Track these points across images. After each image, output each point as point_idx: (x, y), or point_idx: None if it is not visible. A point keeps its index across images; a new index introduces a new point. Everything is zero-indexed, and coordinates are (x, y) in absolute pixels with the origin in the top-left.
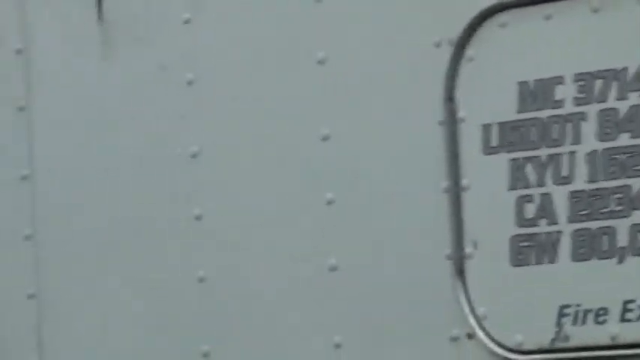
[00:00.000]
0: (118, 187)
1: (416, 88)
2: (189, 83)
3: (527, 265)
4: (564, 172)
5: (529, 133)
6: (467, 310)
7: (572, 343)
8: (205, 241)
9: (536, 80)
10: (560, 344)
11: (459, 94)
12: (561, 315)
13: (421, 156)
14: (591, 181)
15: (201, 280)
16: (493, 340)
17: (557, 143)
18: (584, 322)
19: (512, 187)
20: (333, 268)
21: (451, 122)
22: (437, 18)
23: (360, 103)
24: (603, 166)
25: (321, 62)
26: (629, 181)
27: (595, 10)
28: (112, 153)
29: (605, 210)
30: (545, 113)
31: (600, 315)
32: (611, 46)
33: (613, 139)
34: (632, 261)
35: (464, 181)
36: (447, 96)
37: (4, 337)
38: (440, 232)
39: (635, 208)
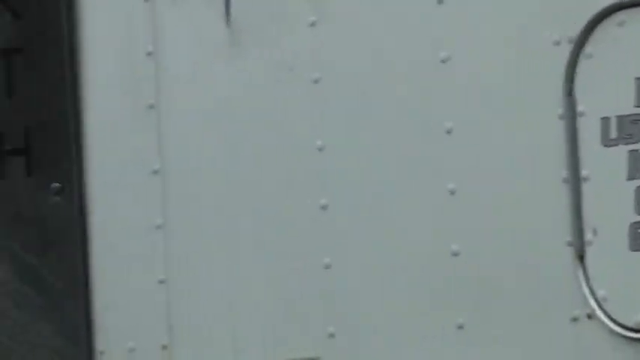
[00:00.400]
0: (244, 179)
1: (537, 84)
2: (315, 82)
3: None
4: None
5: None
6: (587, 292)
7: None
8: (331, 229)
9: None
10: None
11: (578, 90)
12: None
13: (543, 148)
14: None
15: (326, 266)
16: (613, 320)
17: None
18: None
19: (631, 177)
20: (456, 254)
21: (571, 116)
22: (556, 18)
23: (483, 100)
24: None
25: (444, 61)
26: None
27: None
28: (239, 147)
29: None
30: None
31: None
32: None
33: None
34: None
35: (584, 172)
36: (566, 91)
37: (136, 321)
38: (561, 220)
39: None
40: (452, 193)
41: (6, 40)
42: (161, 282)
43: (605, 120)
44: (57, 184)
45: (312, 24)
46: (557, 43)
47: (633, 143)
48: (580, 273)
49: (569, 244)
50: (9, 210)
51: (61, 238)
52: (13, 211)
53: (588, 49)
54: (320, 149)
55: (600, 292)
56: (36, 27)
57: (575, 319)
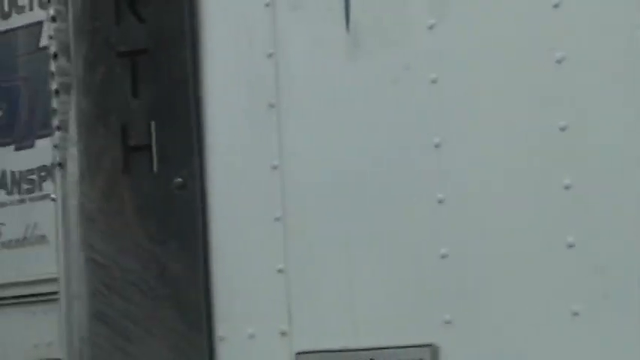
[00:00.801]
0: (361, 172)
1: None
2: (433, 82)
3: None
4: None
5: None
6: None
7: None
8: (447, 221)
9: None
10: None
11: None
12: None
13: None
14: None
15: (443, 256)
16: None
17: None
18: None
19: None
20: (571, 245)
21: None
22: None
23: (597, 99)
24: None
25: (559, 61)
26: None
27: None
28: (356, 143)
29: None
30: None
31: None
32: None
33: None
34: None
35: None
36: None
37: (255, 308)
38: None
39: None
40: (566, 187)
41: (131, 42)
42: (280, 271)
43: None
44: (179, 179)
45: (431, 27)
46: None
47: None
48: None
49: None
50: (134, 203)
51: (184, 229)
52: (138, 204)
53: None
54: (437, 146)
55: None
56: (160, 30)
57: None
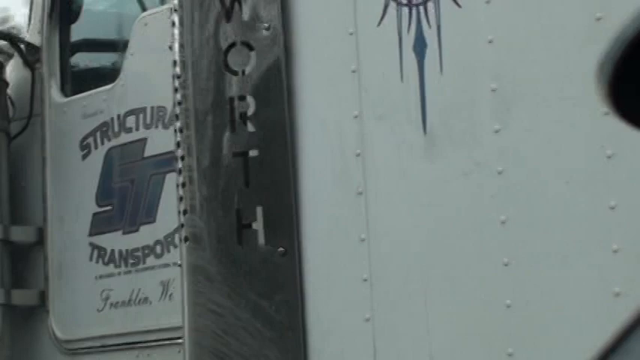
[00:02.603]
0: (439, 246)
1: None
2: (499, 173)
3: None
4: None
5: None
6: None
7: None
8: (512, 280)
9: None
10: None
11: None
12: None
13: None
14: None
15: (508, 306)
16: None
17: None
18: None
19: None
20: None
21: None
22: None
23: None
24: None
25: (609, 157)
26: None
27: None
28: (432, 221)
29: None
30: None
31: None
32: None
33: None
34: None
35: None
36: None
37: (347, 349)
38: None
39: None
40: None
41: (244, 145)
42: (367, 320)
43: None
44: (282, 249)
45: (497, 131)
46: None
47: None
48: None
49: None
50: (245, 267)
51: (285, 288)
52: (248, 268)
53: None
54: (502, 222)
55: None
56: (266, 136)
57: None
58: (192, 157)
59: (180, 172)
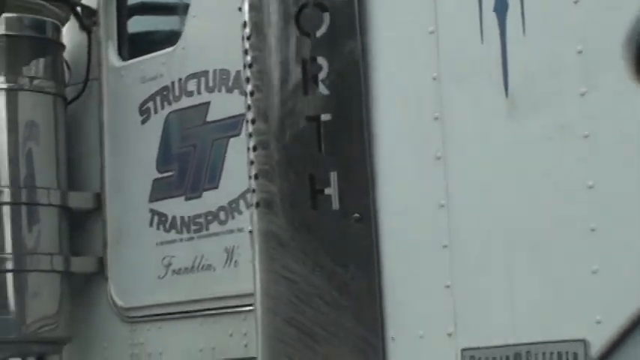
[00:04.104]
0: (518, 207)
1: None
2: (585, 137)
3: None
4: None
5: None
6: None
7: None
8: (598, 245)
9: None
10: None
11: None
12: None
13: None
14: None
15: (594, 272)
16: None
17: None
18: None
19: None
20: None
21: None
22: None
23: None
24: None
25: None
26: None
27: None
28: (513, 185)
29: None
30: None
31: None
32: None
33: None
34: None
35: None
36: None
37: (424, 314)
38: None
39: None
40: None
41: (317, 109)
42: (447, 287)
43: None
44: (357, 215)
45: (582, 94)
46: None
47: None
48: None
49: None
50: (320, 233)
51: (361, 254)
52: (323, 234)
53: None
54: (590, 187)
55: None
56: (340, 99)
57: None
58: (264, 121)
59: (250, 135)
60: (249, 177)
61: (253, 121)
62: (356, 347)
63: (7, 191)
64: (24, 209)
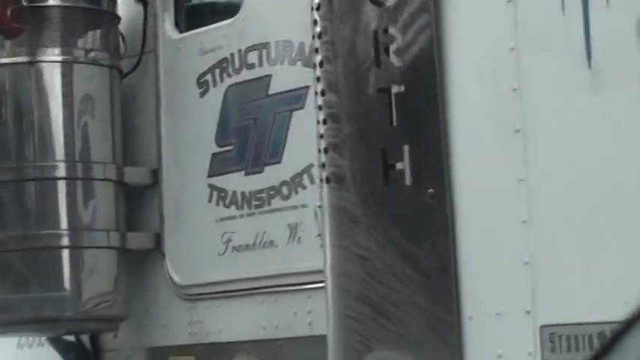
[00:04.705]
0: (600, 181)
1: None
2: None
3: None
4: None
5: None
6: None
7: None
8: None
9: None
10: None
11: None
12: None
13: None
14: None
15: None
16: None
17: None
18: None
19: None
20: None
21: None
22: None
23: None
24: None
25: None
26: None
27: None
28: (594, 158)
29: None
30: None
31: None
32: None
33: None
34: None
35: None
36: None
37: (503, 293)
38: None
39: None
40: None
41: (389, 80)
42: (526, 263)
43: None
44: (431, 190)
45: None
46: None
47: None
48: None
49: None
50: (393, 209)
51: (435, 231)
52: (396, 210)
53: None
54: None
55: None
56: (413, 71)
57: None
58: (334, 93)
59: (320, 108)
60: (318, 151)
61: (323, 93)
62: (430, 325)
63: (62, 166)
64: (79, 184)
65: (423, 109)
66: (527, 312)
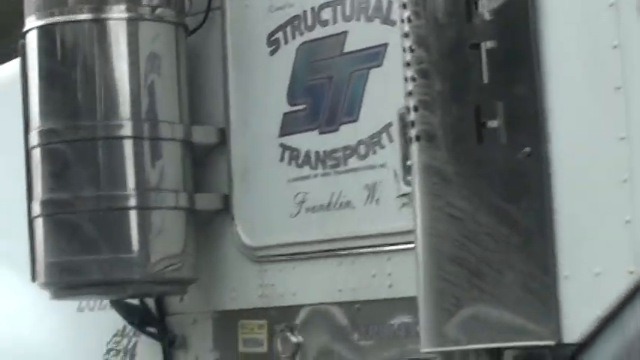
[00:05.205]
0: None
1: None
2: None
3: None
4: None
5: None
6: None
7: None
8: None
9: None
10: None
11: None
12: None
13: None
14: None
15: None
16: None
17: None
18: None
19: None
20: None
21: None
22: None
23: None
24: None
25: None
26: None
27: None
28: None
29: None
30: None
31: None
32: None
33: None
34: None
35: None
36: None
37: (603, 253)
38: None
39: None
40: None
41: (481, 36)
42: (627, 222)
43: None
44: (527, 149)
45: None
46: None
47: None
48: None
49: None
50: (487, 168)
51: (532, 191)
52: (490, 169)
53: None
54: None
55: None
56: (506, 26)
57: None
58: (424, 49)
59: (408, 64)
60: (407, 109)
61: (412, 49)
62: (526, 286)
63: (128, 124)
64: (146, 144)
65: (518, 64)
66: (630, 272)
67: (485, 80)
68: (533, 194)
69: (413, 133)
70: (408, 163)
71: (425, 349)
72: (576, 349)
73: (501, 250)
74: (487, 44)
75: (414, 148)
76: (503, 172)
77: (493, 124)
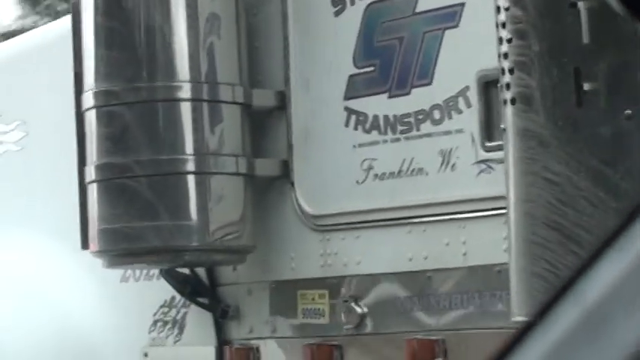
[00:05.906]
0: None
1: None
2: None
3: None
4: None
5: None
6: None
7: None
8: None
9: None
10: None
11: None
12: None
13: None
14: None
15: None
16: None
17: None
18: None
19: None
20: None
21: None
22: None
23: None
24: None
25: None
26: None
27: None
28: None
29: None
30: None
31: None
32: None
33: None
34: None
35: None
36: None
37: None
38: None
39: None
40: None
41: None
42: None
43: None
44: (628, 112)
45: None
46: None
47: None
48: None
49: None
50: (585, 131)
51: (631, 154)
52: (589, 133)
53: None
54: None
55: None
56: None
57: None
58: (520, 8)
59: (503, 25)
60: (502, 71)
61: (507, 9)
62: None
63: (187, 86)
64: (205, 106)
65: (618, 24)
66: None
67: (586, 41)
68: (633, 158)
69: (508, 95)
70: (502, 126)
71: (516, 317)
72: None
73: (599, 214)
74: (587, 3)
75: (508, 111)
76: (603, 135)
77: (593, 86)
